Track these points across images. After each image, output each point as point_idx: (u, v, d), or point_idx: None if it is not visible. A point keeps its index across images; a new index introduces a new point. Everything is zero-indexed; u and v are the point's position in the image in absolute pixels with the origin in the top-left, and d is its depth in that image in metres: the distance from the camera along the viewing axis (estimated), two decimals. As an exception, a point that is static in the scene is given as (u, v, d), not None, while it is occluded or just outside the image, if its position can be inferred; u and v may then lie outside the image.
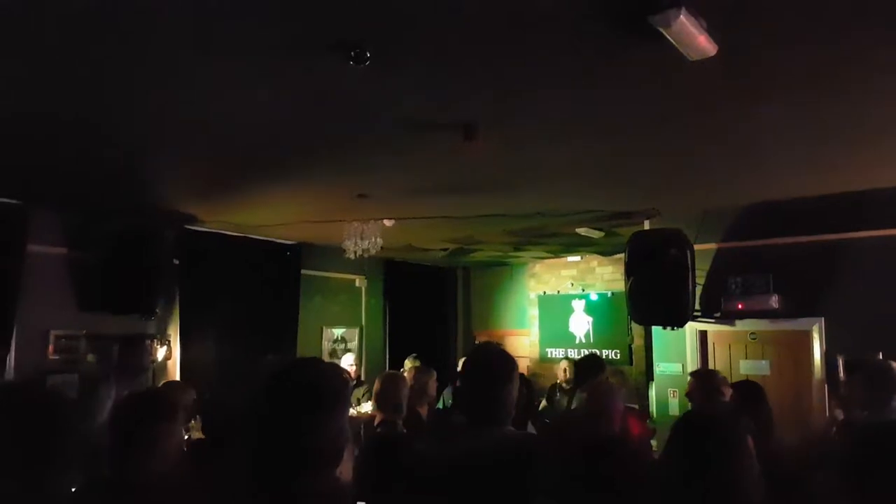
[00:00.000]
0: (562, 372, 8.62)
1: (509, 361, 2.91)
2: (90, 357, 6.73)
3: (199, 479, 3.15)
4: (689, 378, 4.98)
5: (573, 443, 2.94)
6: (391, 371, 6.92)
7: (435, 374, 5.90)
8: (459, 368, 2.92)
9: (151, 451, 2.75)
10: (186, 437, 4.05)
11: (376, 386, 4.74)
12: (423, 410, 5.85)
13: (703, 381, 4.72)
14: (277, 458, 1.88)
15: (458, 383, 2.96)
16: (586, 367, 5.24)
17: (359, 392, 7.86)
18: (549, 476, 2.52)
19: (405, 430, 4.60)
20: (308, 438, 1.88)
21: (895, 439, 2.31)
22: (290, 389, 1.96)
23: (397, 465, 2.87)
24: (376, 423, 4.62)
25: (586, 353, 8.99)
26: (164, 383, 6.57)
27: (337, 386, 2.01)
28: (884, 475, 2.17)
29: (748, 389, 4.40)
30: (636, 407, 8.08)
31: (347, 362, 8.60)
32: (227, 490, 2.30)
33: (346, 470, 1.93)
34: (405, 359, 8.69)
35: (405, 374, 5.67)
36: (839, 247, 7.06)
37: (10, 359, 6.08)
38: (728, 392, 4.40)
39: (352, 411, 5.50)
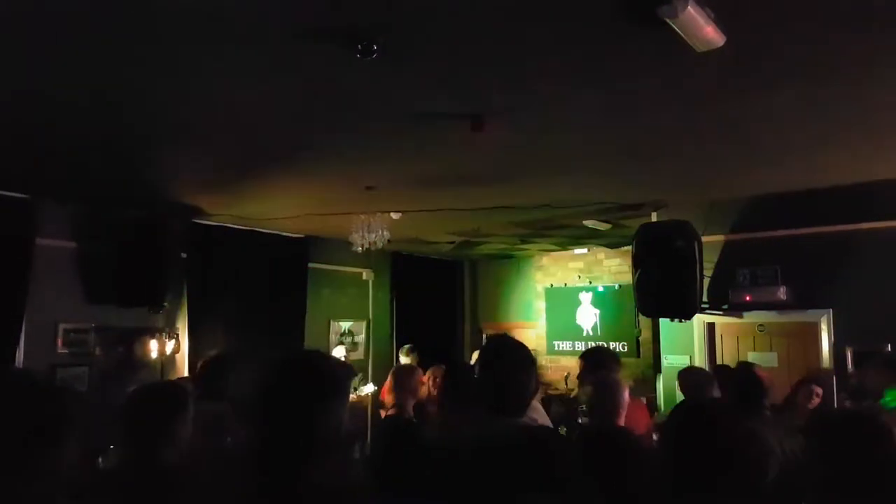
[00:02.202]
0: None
1: (526, 352, 2.91)
2: (98, 350, 6.76)
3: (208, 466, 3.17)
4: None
5: (578, 435, 2.95)
6: (404, 364, 6.96)
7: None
8: (476, 359, 2.93)
9: (168, 441, 2.78)
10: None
11: (389, 379, 4.77)
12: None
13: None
14: (281, 447, 1.90)
15: (475, 373, 2.96)
16: (596, 361, 5.20)
17: (355, 381, 7.91)
18: (555, 467, 2.52)
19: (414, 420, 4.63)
20: (311, 427, 1.90)
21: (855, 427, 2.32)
22: (293, 380, 1.98)
23: (409, 451, 2.88)
24: (386, 412, 4.65)
25: (593, 345, 8.96)
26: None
27: (338, 376, 2.03)
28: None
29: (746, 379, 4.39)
30: (643, 399, 8.06)
31: (339, 354, 8.62)
32: (234, 478, 2.31)
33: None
34: (401, 350, 8.75)
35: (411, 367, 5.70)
36: (848, 238, 7.03)
37: (20, 352, 6.11)
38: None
39: (352, 396, 5.54)
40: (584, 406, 3.95)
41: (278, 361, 2.03)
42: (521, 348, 2.95)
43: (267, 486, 1.88)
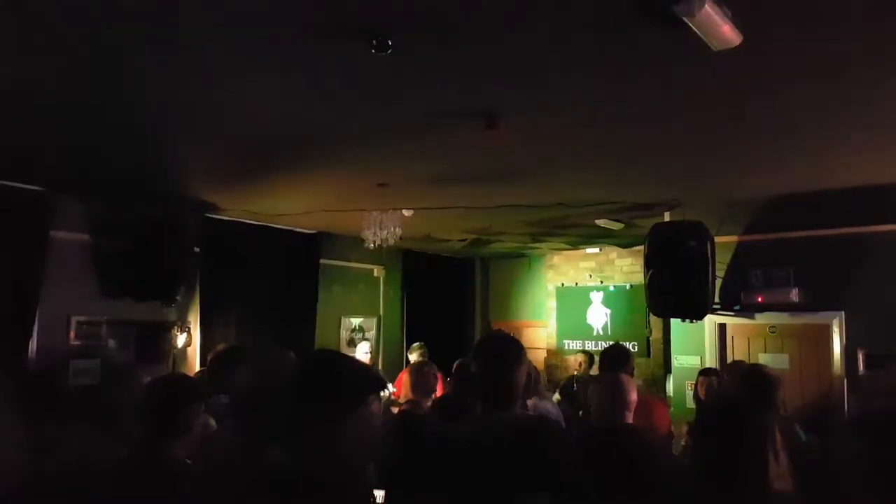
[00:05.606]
0: (577, 365, 8.65)
1: (517, 346, 2.99)
2: (111, 343, 6.79)
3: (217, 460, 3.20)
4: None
5: (584, 432, 2.97)
6: (421, 361, 6.96)
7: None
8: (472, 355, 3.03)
9: (184, 431, 2.81)
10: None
11: (406, 376, 4.81)
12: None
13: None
14: (284, 445, 1.92)
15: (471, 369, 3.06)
16: (613, 358, 5.23)
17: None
18: (560, 462, 2.54)
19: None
20: (314, 428, 1.92)
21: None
22: (302, 381, 2.00)
23: (416, 443, 2.93)
24: (399, 409, 4.69)
25: (605, 345, 8.97)
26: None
27: (349, 384, 2.03)
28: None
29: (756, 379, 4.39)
30: (662, 398, 8.03)
31: (363, 351, 8.63)
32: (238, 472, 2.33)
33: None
34: (410, 350, 8.75)
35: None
36: (860, 240, 7.02)
37: (33, 344, 6.15)
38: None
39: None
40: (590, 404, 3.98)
41: (300, 364, 2.05)
42: (512, 342, 3.04)
43: (268, 482, 1.90)
